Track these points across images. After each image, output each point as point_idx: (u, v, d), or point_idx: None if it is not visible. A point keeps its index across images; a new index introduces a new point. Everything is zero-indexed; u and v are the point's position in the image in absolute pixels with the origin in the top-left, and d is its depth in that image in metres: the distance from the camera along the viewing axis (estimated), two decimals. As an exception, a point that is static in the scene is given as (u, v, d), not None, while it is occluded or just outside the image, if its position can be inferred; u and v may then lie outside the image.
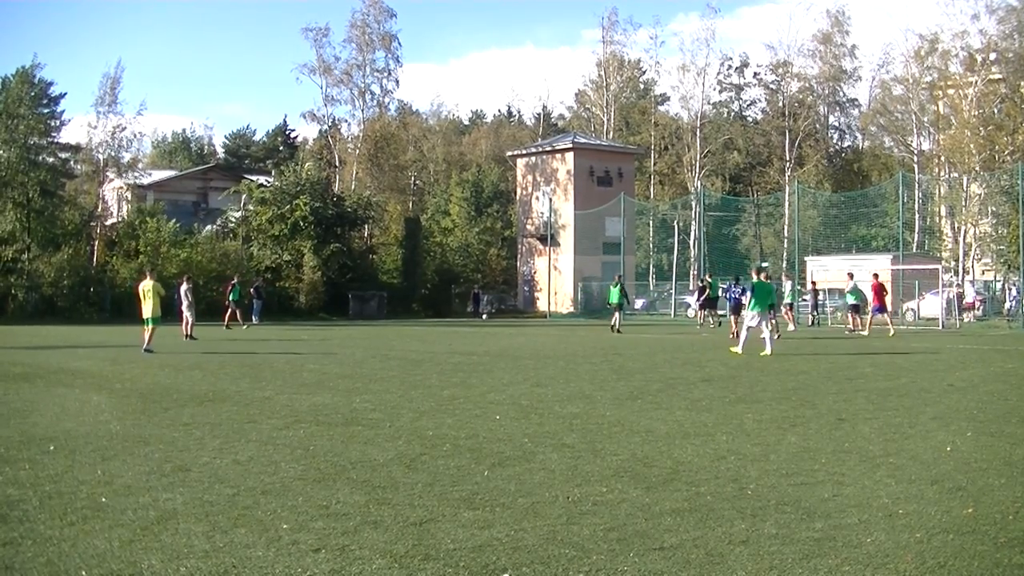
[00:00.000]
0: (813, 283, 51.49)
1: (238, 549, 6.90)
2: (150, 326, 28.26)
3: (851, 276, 41.86)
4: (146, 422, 13.43)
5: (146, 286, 29.08)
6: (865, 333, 38.55)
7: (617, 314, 42.58)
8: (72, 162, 67.48)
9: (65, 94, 66.12)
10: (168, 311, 33.06)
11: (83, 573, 6.40)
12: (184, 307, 35.90)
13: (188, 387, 18.07)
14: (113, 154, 66.51)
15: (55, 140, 64.87)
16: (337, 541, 7.09)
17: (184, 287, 36.65)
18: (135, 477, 9.50)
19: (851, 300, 41.22)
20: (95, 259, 62.51)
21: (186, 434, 12.25)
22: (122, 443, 11.52)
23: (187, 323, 35.50)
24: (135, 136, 67.98)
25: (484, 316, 64.49)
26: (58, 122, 64.58)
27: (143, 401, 15.81)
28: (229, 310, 45.70)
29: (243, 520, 7.72)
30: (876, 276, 40.50)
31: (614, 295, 43.21)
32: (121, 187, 70.97)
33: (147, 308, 28.54)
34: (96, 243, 63.59)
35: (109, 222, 68.09)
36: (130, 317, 49.21)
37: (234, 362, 24.08)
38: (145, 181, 74.52)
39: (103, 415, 14.14)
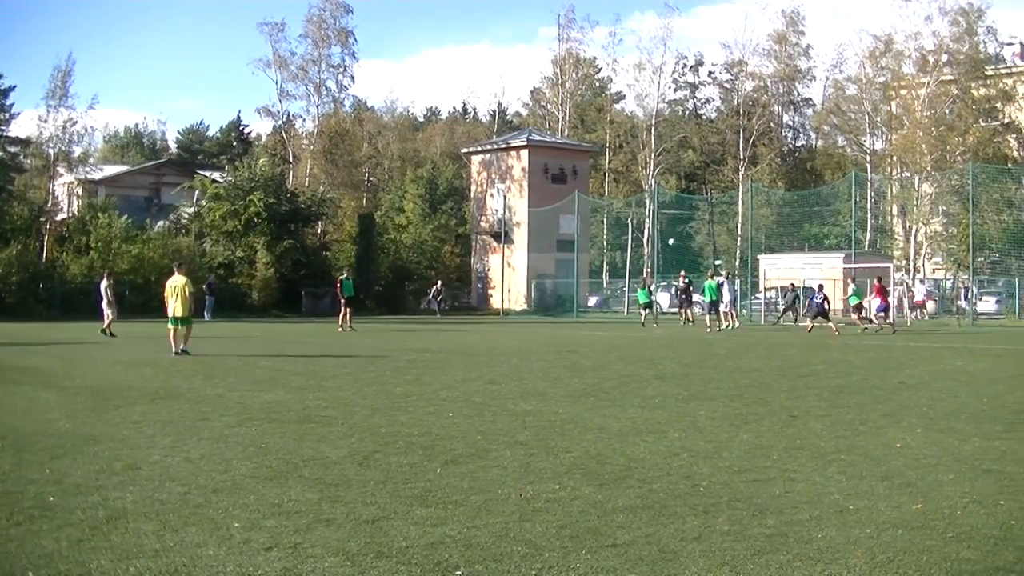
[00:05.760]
0: (792, 284, 51.20)
1: (189, 548, 6.85)
2: (177, 327, 25.45)
3: (853, 279, 43.49)
4: (96, 420, 13.32)
5: (176, 283, 25.78)
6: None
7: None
8: (21, 156, 66.70)
9: (14, 87, 65.21)
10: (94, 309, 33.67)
11: (30, 574, 6.33)
12: (104, 304, 35.54)
13: (139, 384, 17.94)
14: (64, 148, 65.77)
15: (4, 134, 64.02)
16: (289, 539, 7.06)
17: (104, 283, 36.28)
18: (84, 476, 9.41)
19: (854, 301, 43.20)
20: (45, 255, 61.85)
21: (137, 432, 12.16)
22: (71, 441, 11.41)
23: (107, 319, 35.17)
24: (86, 130, 67.20)
25: (438, 315, 63.87)
26: (7, 115, 63.76)
27: (93, 399, 15.68)
28: (343, 309, 41.53)
29: (194, 519, 7.67)
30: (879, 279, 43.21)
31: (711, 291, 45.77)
32: (72, 182, 70.23)
33: (176, 307, 25.42)
34: (46, 239, 62.88)
35: (59, 217, 67.33)
36: (81, 313, 48.99)
37: (186, 359, 23.91)
38: (96, 176, 73.71)
39: (52, 413, 14.01)
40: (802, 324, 44.12)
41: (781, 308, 48.93)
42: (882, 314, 41.71)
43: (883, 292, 41.98)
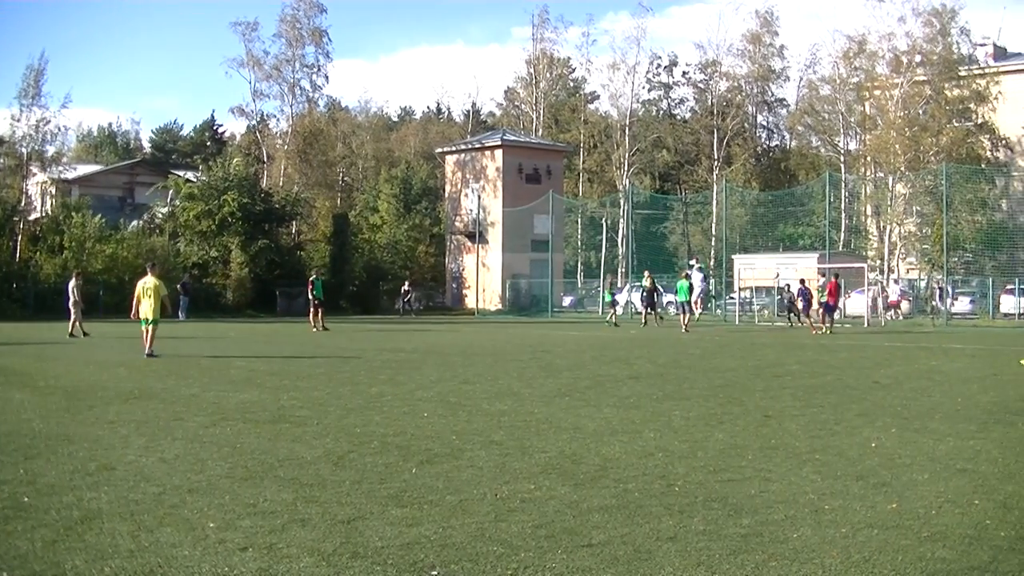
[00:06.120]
0: (787, 284, 51.01)
1: (164, 548, 6.82)
2: (148, 327, 25.05)
3: (822, 275, 43.50)
4: (70, 420, 13.25)
5: (148, 283, 25.47)
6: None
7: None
8: (-6, 155, 66.31)
9: (-14, 86, 65.07)
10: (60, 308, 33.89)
11: (4, 574, 6.29)
12: (71, 304, 35.43)
13: (113, 384, 17.84)
14: (37, 148, 65.37)
15: (-25, 134, 63.72)
16: (264, 539, 7.04)
17: (72, 283, 36.14)
18: (59, 476, 9.36)
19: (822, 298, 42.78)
20: (18, 254, 61.49)
21: (111, 432, 12.09)
22: (45, 441, 11.34)
23: (73, 320, 35.02)
24: (59, 130, 66.82)
25: (413, 314, 63.61)
26: (-22, 115, 63.51)
27: (67, 399, 15.59)
28: (313, 309, 41.55)
29: (169, 519, 7.63)
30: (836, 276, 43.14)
31: (683, 291, 43.14)
32: (45, 181, 69.81)
33: (145, 308, 25.13)
34: (19, 238, 62.52)
35: (33, 217, 66.95)
36: (54, 313, 48.69)
37: (160, 359, 23.80)
38: (70, 176, 73.34)
39: (26, 413, 13.93)
40: (798, 324, 44.46)
41: (787, 310, 48.74)
42: (828, 315, 42.17)
43: (836, 292, 42.24)
